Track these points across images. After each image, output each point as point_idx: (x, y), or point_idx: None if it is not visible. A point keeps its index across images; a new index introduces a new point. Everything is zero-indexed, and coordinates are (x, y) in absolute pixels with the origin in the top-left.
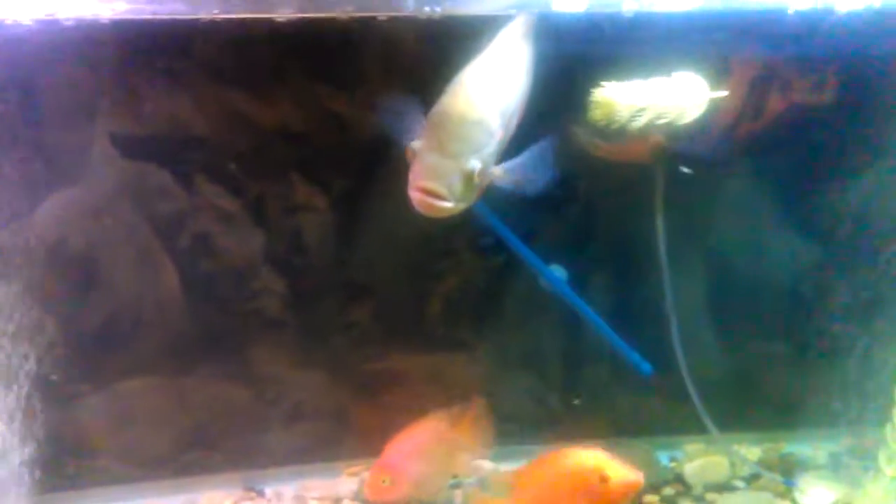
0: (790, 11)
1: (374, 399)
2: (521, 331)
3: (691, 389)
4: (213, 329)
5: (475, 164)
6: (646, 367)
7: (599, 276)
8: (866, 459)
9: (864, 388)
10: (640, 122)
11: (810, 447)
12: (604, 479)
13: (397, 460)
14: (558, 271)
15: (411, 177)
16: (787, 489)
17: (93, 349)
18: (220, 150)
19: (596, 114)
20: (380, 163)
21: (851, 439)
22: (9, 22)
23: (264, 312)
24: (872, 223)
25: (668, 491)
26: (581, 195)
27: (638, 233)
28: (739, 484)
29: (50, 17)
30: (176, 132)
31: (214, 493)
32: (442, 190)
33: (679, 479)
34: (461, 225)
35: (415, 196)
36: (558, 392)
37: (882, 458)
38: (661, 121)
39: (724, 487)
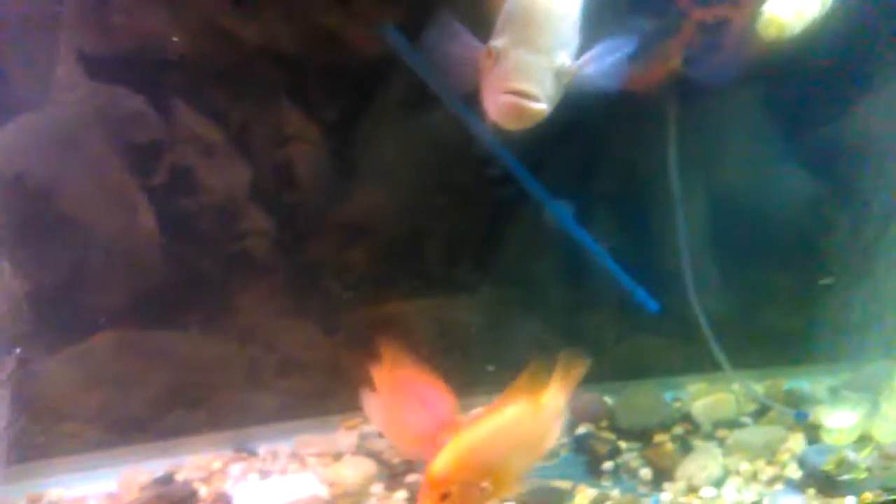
0: None
1: (370, 348)
2: (525, 272)
3: (705, 326)
4: (193, 275)
5: (565, 59)
6: (653, 304)
7: (606, 211)
8: (866, 391)
9: (862, 323)
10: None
11: (809, 382)
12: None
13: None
14: (564, 206)
15: (496, 80)
16: (798, 421)
17: (57, 300)
18: (201, 71)
19: (769, 30)
20: (379, 87)
21: (849, 374)
22: None
23: (251, 256)
24: (876, 158)
25: (678, 430)
26: (588, 126)
27: (647, 166)
28: (747, 420)
29: None
30: (150, 50)
31: (201, 455)
32: (537, 90)
33: (687, 418)
34: (464, 157)
35: (505, 101)
36: (563, 336)
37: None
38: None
39: (732, 424)
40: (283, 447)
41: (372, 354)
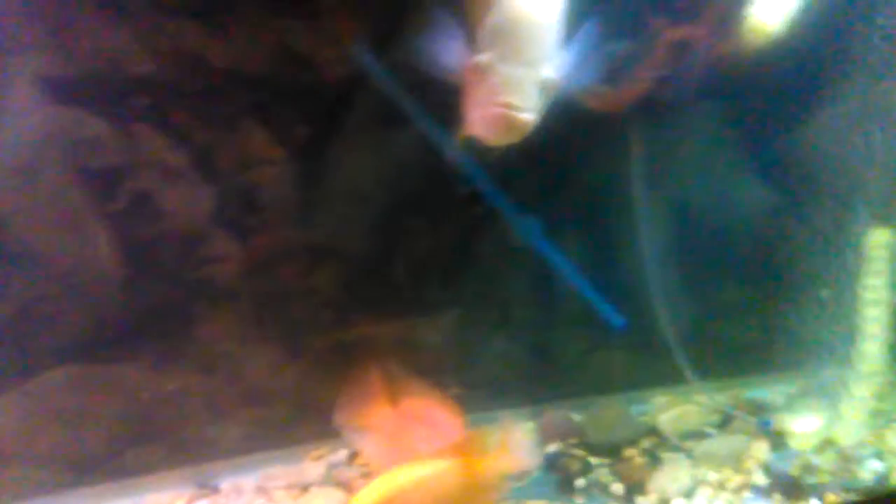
0: None
1: (338, 374)
2: (493, 290)
3: (672, 340)
4: (154, 304)
5: (550, 71)
6: (618, 320)
7: (573, 227)
8: (823, 398)
9: (816, 333)
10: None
11: (768, 391)
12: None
13: None
14: (532, 222)
15: (483, 94)
16: (762, 429)
17: (8, 334)
18: (164, 93)
19: (755, 38)
20: (345, 108)
21: (805, 381)
22: None
23: (214, 282)
24: (830, 169)
25: (646, 443)
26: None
27: (611, 182)
28: (711, 431)
29: None
30: (113, 73)
31: (162, 494)
32: (526, 103)
33: (654, 431)
34: (432, 177)
35: (495, 113)
36: (530, 353)
37: (852, 384)
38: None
39: (698, 435)
40: (248, 481)
41: (360, 390)
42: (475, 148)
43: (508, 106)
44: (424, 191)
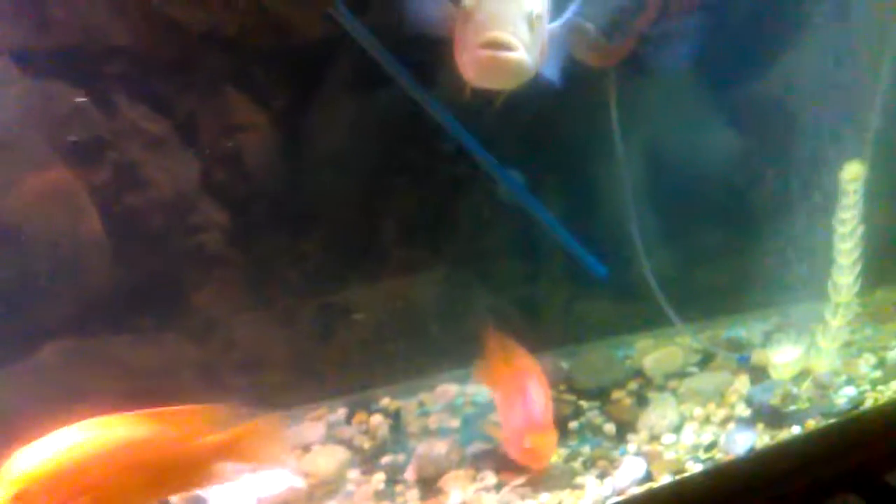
0: None
1: (332, 336)
2: (478, 246)
3: (655, 285)
4: (144, 275)
5: (536, 5)
6: (601, 269)
7: (555, 181)
8: (799, 331)
9: (788, 271)
10: None
11: (745, 329)
12: None
13: None
14: (516, 176)
15: (470, 36)
16: (741, 364)
17: None
18: (143, 62)
19: None
20: (327, 70)
21: (780, 318)
22: None
23: (204, 250)
24: (796, 112)
25: (633, 385)
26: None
27: (589, 134)
28: (693, 370)
29: None
30: (89, 42)
31: None
32: (512, 37)
33: (639, 373)
34: (415, 135)
35: (482, 55)
36: (517, 305)
37: (827, 314)
38: None
39: (681, 374)
40: None
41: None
42: (469, 98)
43: (494, 41)
44: (408, 150)
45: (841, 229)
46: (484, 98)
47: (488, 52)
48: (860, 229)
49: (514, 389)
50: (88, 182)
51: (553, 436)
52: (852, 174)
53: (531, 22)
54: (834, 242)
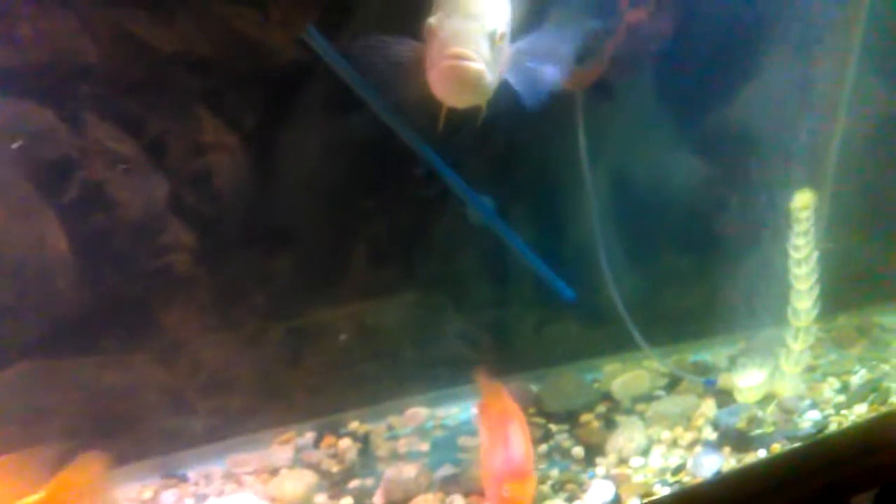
0: None
1: (301, 359)
2: (448, 270)
3: (622, 309)
4: (110, 296)
5: (498, 24)
6: (569, 293)
7: (524, 206)
8: (764, 355)
9: (753, 296)
10: None
11: (711, 353)
12: None
13: None
14: (486, 201)
15: (435, 51)
16: (707, 388)
17: None
18: (112, 81)
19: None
20: (297, 91)
21: (745, 342)
22: None
23: (172, 271)
24: (760, 139)
25: (601, 408)
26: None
27: (558, 158)
28: (661, 393)
29: None
30: (58, 61)
31: (128, 486)
32: (473, 52)
33: (607, 396)
34: (387, 158)
35: (445, 67)
36: (487, 329)
37: (788, 340)
38: None
39: (649, 398)
40: (216, 469)
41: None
42: (443, 122)
43: (456, 56)
44: (379, 173)
45: (796, 255)
46: (455, 121)
47: (449, 62)
48: (814, 255)
49: (496, 435)
50: (56, 201)
51: (533, 483)
52: (802, 202)
53: (493, 40)
54: (790, 268)
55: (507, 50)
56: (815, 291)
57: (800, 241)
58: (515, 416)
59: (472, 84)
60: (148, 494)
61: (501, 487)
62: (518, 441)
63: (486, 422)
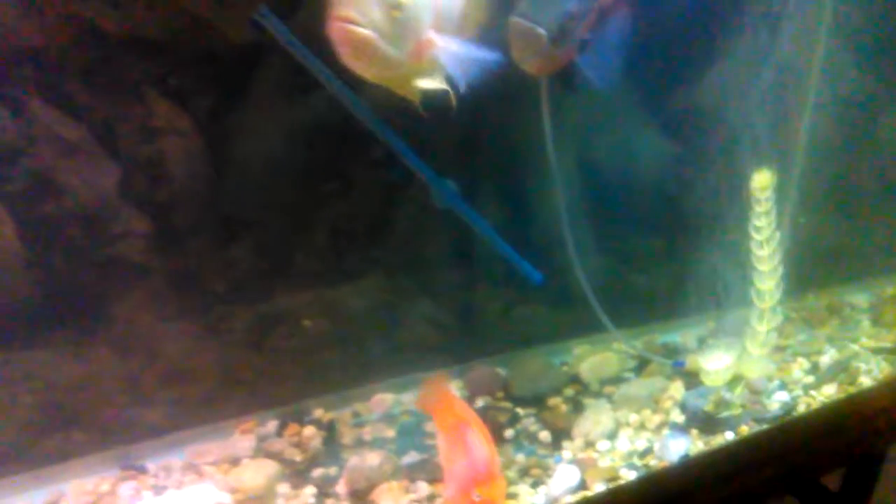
0: None
1: (262, 346)
2: (413, 254)
3: (589, 292)
4: (62, 286)
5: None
6: (536, 276)
7: (489, 188)
8: (731, 337)
9: (720, 277)
10: None
11: (680, 335)
12: None
13: None
14: (450, 184)
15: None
16: (676, 370)
17: None
18: (58, 66)
19: None
20: (252, 73)
21: (713, 324)
22: None
23: (125, 259)
24: (726, 120)
25: (569, 392)
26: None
27: (525, 143)
28: (629, 375)
29: None
30: (0, 44)
31: (85, 479)
32: (358, 16)
33: (576, 379)
34: (346, 141)
35: (331, 27)
36: (453, 313)
37: (754, 321)
38: None
39: (617, 380)
40: (175, 460)
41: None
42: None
43: (342, 19)
44: (339, 155)
45: (757, 236)
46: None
47: (336, 24)
48: (776, 236)
49: (455, 443)
50: (1, 191)
51: (502, 482)
52: (762, 183)
53: (388, 7)
54: (752, 249)
55: (422, 22)
56: (779, 272)
57: (761, 222)
58: (471, 420)
59: (365, 53)
60: (105, 487)
61: (469, 494)
62: (479, 445)
63: (442, 428)
